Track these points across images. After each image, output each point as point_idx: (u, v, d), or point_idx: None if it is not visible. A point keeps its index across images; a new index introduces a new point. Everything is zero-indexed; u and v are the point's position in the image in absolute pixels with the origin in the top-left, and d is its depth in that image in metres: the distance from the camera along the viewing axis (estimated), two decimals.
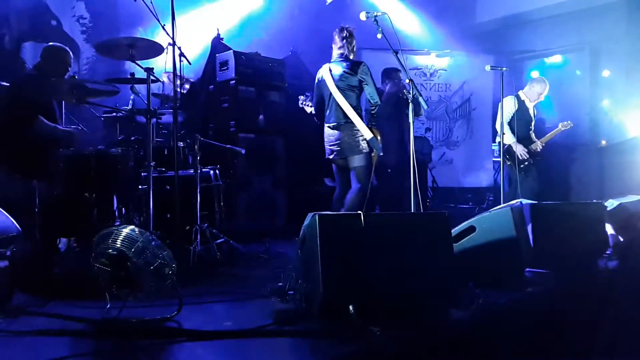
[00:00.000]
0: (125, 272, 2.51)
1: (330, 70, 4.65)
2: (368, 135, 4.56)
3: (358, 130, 4.57)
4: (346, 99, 4.55)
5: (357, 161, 4.60)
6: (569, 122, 6.10)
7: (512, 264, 3.28)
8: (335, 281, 2.72)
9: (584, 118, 6.80)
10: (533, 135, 6.15)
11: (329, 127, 4.69)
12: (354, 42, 4.72)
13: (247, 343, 2.43)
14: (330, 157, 4.73)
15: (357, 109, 4.60)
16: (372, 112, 4.67)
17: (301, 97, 4.96)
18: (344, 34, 4.67)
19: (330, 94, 4.64)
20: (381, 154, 4.64)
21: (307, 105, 4.92)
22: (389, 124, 5.77)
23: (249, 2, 7.23)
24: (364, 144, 4.58)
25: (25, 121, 3.86)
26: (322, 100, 4.77)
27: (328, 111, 4.71)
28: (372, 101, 4.64)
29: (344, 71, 4.57)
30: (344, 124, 4.60)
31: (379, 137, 4.61)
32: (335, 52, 4.73)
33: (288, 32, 7.46)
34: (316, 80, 4.82)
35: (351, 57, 4.71)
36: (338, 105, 4.59)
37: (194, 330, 2.50)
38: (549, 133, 6.11)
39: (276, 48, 7.00)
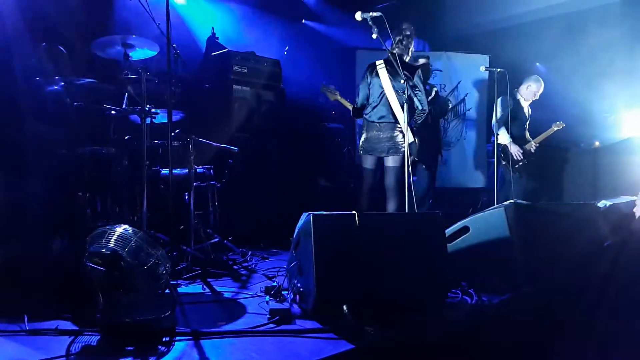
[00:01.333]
0: (119, 272, 2.50)
1: (387, 69, 4.61)
2: (411, 138, 4.59)
3: (401, 131, 4.58)
4: (398, 100, 4.56)
5: (392, 161, 4.64)
6: (562, 122, 6.14)
7: (506, 264, 3.29)
8: (329, 281, 2.72)
9: (577, 119, 6.83)
10: (528, 135, 6.18)
11: (373, 123, 4.67)
12: (412, 43, 4.72)
13: (241, 342, 2.43)
14: (363, 153, 4.74)
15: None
16: (418, 119, 4.72)
17: (331, 88, 5.01)
18: (402, 35, 4.66)
19: (383, 92, 4.62)
20: (416, 159, 4.72)
21: (333, 92, 4.98)
22: None
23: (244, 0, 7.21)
24: (403, 146, 4.55)
25: (19, 121, 3.84)
26: (368, 95, 4.74)
27: (374, 108, 4.68)
28: (421, 107, 4.65)
29: (402, 73, 4.30)
30: (390, 123, 4.62)
31: (417, 142, 4.71)
32: (391, 51, 4.62)
33: (284, 31, 7.46)
34: (367, 76, 4.74)
35: (406, 59, 4.72)
36: (389, 104, 4.59)
37: (187, 330, 2.49)
38: (542, 133, 6.15)
39: (272, 48, 6.99)
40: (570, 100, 6.89)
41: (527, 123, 6.19)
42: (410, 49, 4.71)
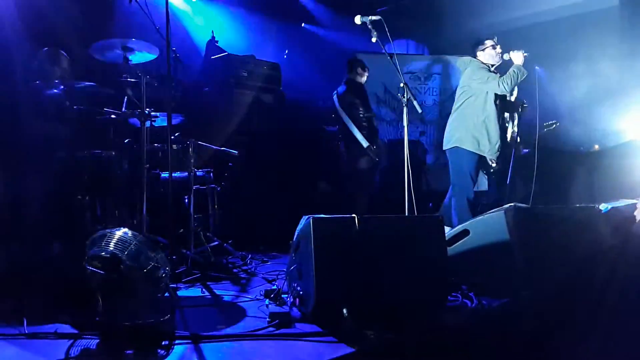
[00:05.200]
0: (118, 275, 2.49)
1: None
2: (365, 143, 5.42)
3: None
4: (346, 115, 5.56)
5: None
6: (554, 121, 6.10)
7: (506, 268, 3.29)
8: (329, 284, 2.72)
9: (576, 122, 6.83)
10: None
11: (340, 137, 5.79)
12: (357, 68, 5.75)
13: (241, 346, 2.42)
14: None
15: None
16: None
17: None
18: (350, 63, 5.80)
19: None
20: (377, 159, 5.52)
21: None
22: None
23: (243, 4, 7.22)
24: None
25: (19, 124, 3.84)
26: None
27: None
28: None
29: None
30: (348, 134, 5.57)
31: (373, 146, 5.47)
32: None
33: (283, 35, 7.47)
34: None
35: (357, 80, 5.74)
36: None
37: (187, 334, 2.49)
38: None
39: (271, 51, 7.00)
40: (569, 103, 6.89)
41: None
42: (358, 70, 5.74)
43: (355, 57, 6.05)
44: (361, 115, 5.53)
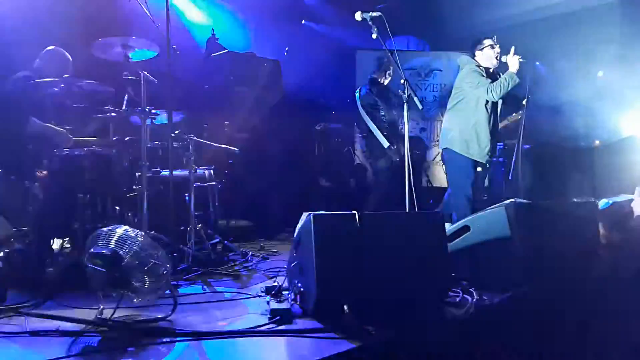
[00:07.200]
0: (119, 273, 2.50)
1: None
2: (386, 143, 5.39)
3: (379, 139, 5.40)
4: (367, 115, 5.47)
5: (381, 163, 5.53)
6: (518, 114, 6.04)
7: (506, 263, 3.29)
8: (330, 281, 2.72)
9: (577, 118, 6.82)
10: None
11: (363, 135, 5.89)
12: (390, 68, 5.59)
13: (242, 343, 2.43)
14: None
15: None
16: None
17: None
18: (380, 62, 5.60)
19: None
20: (397, 159, 5.39)
21: None
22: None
23: (244, 1, 7.21)
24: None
25: (18, 122, 3.85)
26: None
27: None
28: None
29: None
30: (369, 133, 5.51)
31: (394, 147, 5.43)
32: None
33: (284, 32, 7.46)
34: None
35: (380, 81, 5.61)
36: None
37: (188, 331, 2.49)
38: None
39: (271, 48, 6.99)
40: (569, 99, 6.88)
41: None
42: (383, 72, 5.60)
43: (388, 60, 5.75)
44: (383, 118, 5.51)
